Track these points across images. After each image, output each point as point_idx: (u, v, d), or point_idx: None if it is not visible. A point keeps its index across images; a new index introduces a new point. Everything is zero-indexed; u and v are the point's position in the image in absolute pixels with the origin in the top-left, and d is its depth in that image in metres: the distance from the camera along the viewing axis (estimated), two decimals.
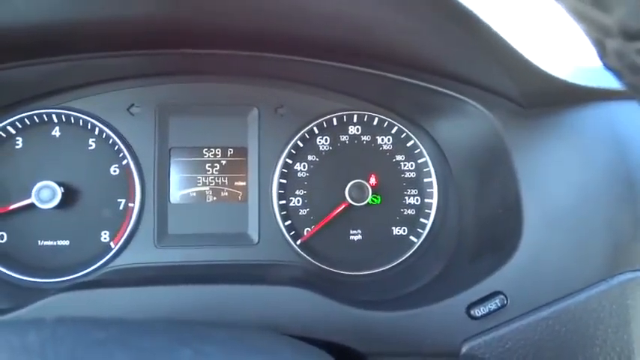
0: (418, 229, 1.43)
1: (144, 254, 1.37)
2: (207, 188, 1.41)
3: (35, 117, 1.38)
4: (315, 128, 1.40)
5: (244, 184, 1.40)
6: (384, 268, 1.42)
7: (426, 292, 1.24)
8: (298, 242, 1.40)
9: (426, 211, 1.43)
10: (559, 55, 0.99)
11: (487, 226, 1.22)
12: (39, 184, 1.33)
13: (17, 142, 1.45)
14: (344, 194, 1.38)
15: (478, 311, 1.05)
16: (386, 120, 1.42)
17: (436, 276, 1.29)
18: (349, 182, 1.38)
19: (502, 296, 1.05)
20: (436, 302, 1.09)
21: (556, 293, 1.03)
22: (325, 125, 1.41)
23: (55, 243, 1.39)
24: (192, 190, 1.41)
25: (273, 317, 1.07)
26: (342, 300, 1.10)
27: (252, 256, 1.38)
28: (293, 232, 1.40)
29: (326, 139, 1.42)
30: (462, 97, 1.14)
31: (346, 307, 1.09)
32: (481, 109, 1.12)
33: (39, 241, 1.38)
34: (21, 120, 1.41)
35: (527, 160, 1.07)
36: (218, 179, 1.41)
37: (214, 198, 1.41)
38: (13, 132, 1.43)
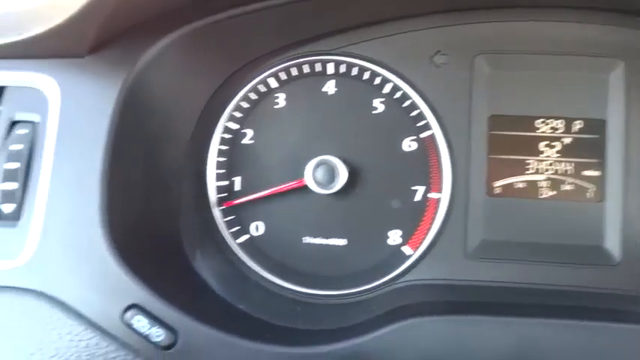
0: None
1: (448, 267, 1.06)
2: (543, 178, 1.06)
3: (304, 65, 1.10)
4: None
5: (599, 174, 1.05)
6: None
7: None
8: None
9: None
10: None
11: None
12: (315, 160, 1.05)
13: (276, 100, 1.10)
14: None
15: None
16: None
17: None
18: None
19: None
20: None
21: None
22: None
23: (326, 242, 1.09)
24: (520, 180, 1.07)
25: None
26: None
27: (610, 282, 1.03)
28: None
29: None
30: None
31: None
32: None
33: (304, 238, 1.10)
34: (286, 70, 1.11)
35: None
36: (558, 166, 1.06)
37: (552, 193, 1.06)
38: (275, 85, 1.11)
